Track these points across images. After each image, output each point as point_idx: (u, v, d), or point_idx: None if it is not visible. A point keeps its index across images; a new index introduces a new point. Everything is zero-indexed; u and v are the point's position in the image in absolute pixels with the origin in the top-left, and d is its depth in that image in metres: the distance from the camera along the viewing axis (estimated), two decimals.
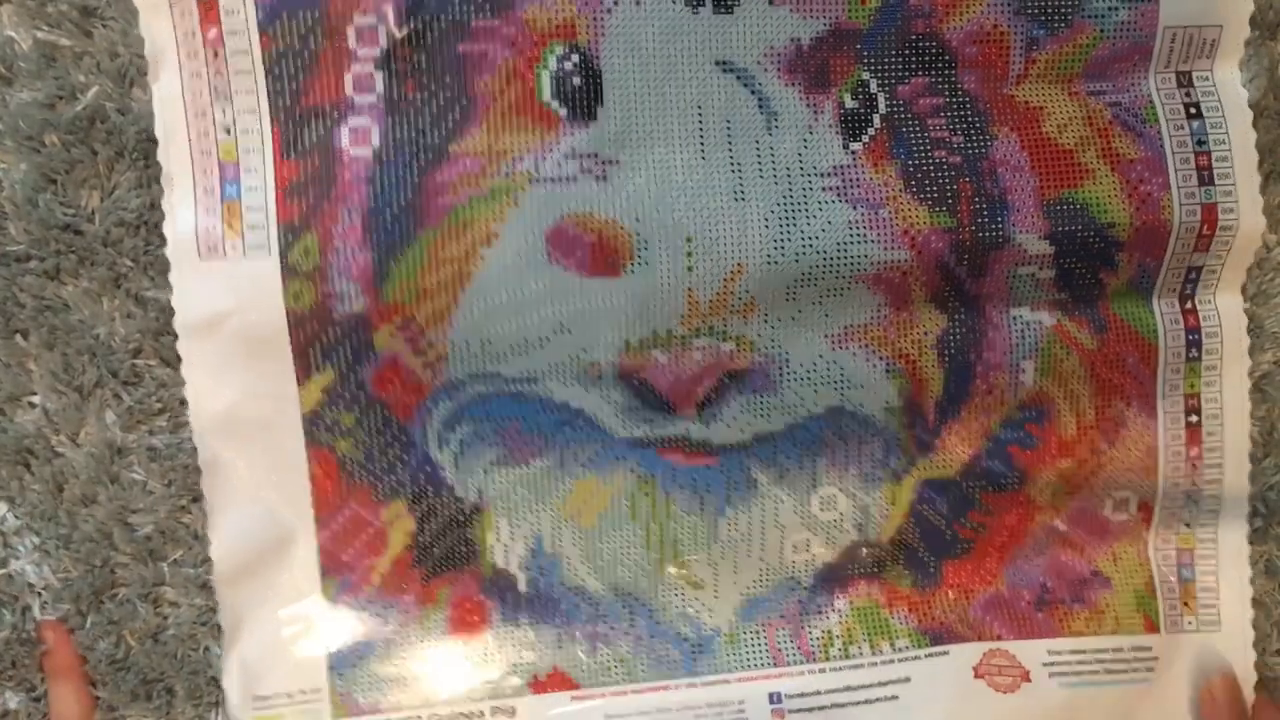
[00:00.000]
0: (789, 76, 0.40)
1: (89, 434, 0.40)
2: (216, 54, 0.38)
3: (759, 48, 0.39)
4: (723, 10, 0.39)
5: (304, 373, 0.39)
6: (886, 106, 0.41)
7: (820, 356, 0.42)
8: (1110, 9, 0.41)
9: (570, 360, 0.40)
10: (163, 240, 0.39)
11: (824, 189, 0.40)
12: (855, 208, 0.40)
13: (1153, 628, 0.45)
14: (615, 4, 0.39)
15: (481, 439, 0.41)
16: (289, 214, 0.38)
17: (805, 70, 0.40)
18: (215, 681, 0.41)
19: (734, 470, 0.43)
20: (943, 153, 0.41)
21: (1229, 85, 0.42)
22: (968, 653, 0.44)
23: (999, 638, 0.44)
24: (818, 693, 0.43)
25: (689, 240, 0.39)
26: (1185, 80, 0.42)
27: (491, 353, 0.40)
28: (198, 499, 0.41)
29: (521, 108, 0.39)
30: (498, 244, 0.39)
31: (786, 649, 0.44)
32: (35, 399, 0.40)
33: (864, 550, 0.45)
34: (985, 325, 0.43)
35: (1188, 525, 0.46)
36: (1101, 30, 0.41)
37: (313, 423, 0.40)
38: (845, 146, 0.41)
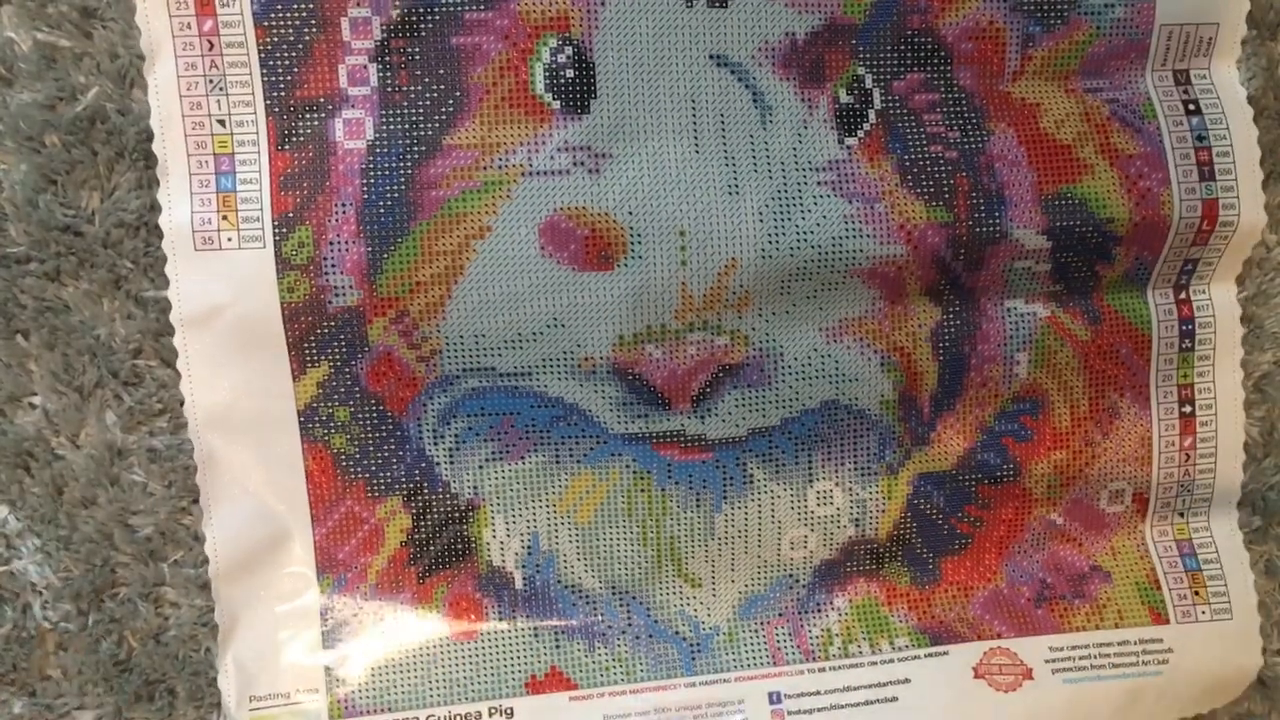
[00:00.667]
0: (784, 71, 0.40)
1: (89, 435, 0.41)
2: (212, 45, 0.38)
3: (753, 42, 0.39)
4: (717, 4, 0.39)
5: (299, 367, 0.39)
6: (882, 102, 0.41)
7: (815, 350, 0.42)
8: (1106, 6, 0.41)
9: (564, 354, 0.40)
10: (161, 237, 0.39)
11: (819, 183, 0.40)
12: (851, 202, 0.40)
13: (1160, 619, 0.45)
14: None
15: (476, 434, 0.41)
16: (283, 206, 0.39)
17: (800, 65, 0.40)
18: (216, 682, 0.41)
19: (730, 465, 0.42)
20: (939, 148, 0.41)
21: (1227, 83, 0.43)
22: (968, 652, 0.44)
23: (999, 635, 0.44)
24: (817, 693, 0.43)
25: (683, 234, 0.39)
26: (1183, 78, 0.42)
27: (485, 346, 0.40)
28: (198, 500, 0.40)
29: (514, 100, 0.39)
30: (490, 237, 0.39)
31: (786, 648, 0.43)
32: (35, 400, 0.40)
33: (861, 547, 0.44)
34: (979, 317, 0.42)
35: (1181, 515, 0.45)
36: (1097, 27, 0.41)
37: (308, 417, 0.40)
38: (840, 141, 0.41)
